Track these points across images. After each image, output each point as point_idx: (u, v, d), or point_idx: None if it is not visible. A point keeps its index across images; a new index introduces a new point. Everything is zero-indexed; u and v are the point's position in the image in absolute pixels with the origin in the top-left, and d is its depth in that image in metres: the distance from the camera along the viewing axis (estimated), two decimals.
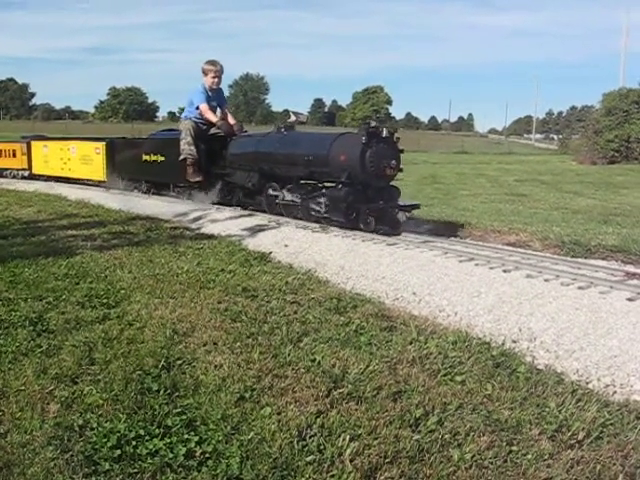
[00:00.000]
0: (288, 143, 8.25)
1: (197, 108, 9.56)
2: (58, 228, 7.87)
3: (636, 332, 3.88)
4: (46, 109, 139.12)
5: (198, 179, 9.55)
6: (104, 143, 12.93)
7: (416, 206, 7.62)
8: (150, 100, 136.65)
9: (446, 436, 2.66)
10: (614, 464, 2.51)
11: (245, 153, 9.01)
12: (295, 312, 4.32)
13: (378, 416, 2.81)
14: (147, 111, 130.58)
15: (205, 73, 9.70)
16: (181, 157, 9.51)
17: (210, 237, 7.23)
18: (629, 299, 4.46)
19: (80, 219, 8.76)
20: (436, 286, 5.01)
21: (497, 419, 2.84)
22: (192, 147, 9.42)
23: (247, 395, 2.99)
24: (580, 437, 2.71)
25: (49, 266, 5.56)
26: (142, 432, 2.63)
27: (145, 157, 11.04)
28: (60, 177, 14.80)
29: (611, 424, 2.86)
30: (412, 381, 3.20)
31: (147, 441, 2.57)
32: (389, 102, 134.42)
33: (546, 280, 4.97)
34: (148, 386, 3.07)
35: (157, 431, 2.64)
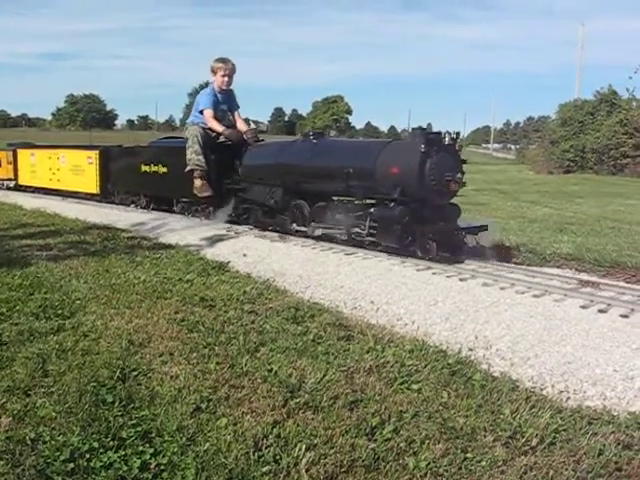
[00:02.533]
0: (320, 153, 7.14)
1: (202, 112, 8.42)
2: (12, 238, 7.75)
3: (589, 339, 3.95)
4: (1, 116, 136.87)
5: (207, 194, 8.28)
6: (97, 151, 11.83)
7: (484, 227, 6.46)
8: (108, 107, 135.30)
9: (402, 444, 2.68)
10: (566, 469, 2.55)
11: (264, 165, 7.88)
12: (253, 322, 4.31)
13: (334, 425, 2.81)
14: (105, 119, 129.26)
15: (214, 72, 8.51)
16: (187, 168, 8.28)
17: (168, 247, 7.18)
18: (582, 306, 4.54)
19: (36, 228, 8.62)
20: (394, 295, 5.04)
21: (452, 426, 2.86)
22: (200, 157, 8.20)
23: (203, 406, 2.97)
24: (533, 443, 2.75)
25: (2, 276, 5.47)
26: (96, 445, 2.59)
27: (144, 168, 9.89)
28: (48, 189, 13.63)
29: (564, 430, 2.90)
30: (369, 390, 3.21)
31: (101, 454, 2.54)
32: (349, 111, 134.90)
33: (502, 288, 5.04)
34: (103, 398, 3.03)
35: (111, 443, 2.61)
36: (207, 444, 2.62)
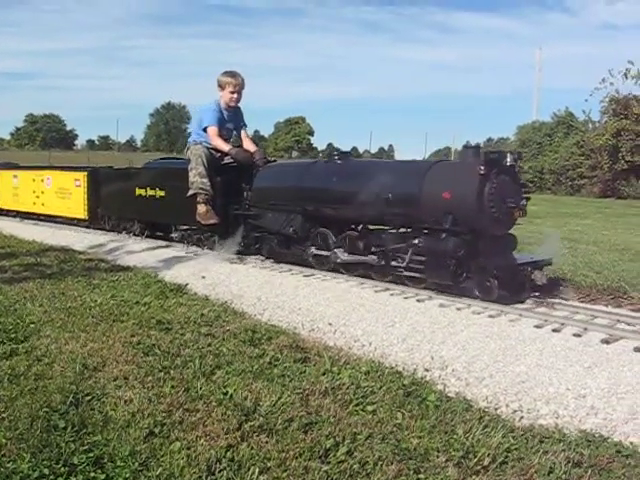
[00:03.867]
0: (349, 176, 6.38)
1: (205, 130, 7.60)
2: None
3: (543, 358, 4.01)
4: None
5: (213, 221, 7.45)
6: (85, 173, 10.90)
7: (549, 262, 5.82)
8: (69, 127, 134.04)
9: (355, 466, 2.68)
10: None
11: (280, 189, 7.11)
12: (209, 345, 4.29)
13: (288, 448, 2.81)
14: (65, 139, 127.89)
15: (222, 86, 7.64)
16: (190, 192, 7.44)
17: (126, 269, 7.12)
18: (536, 326, 4.61)
19: None
20: (352, 316, 5.06)
21: (406, 447, 2.87)
22: (205, 180, 7.38)
23: (157, 430, 2.95)
24: (486, 462, 2.77)
25: None
26: (46, 471, 2.55)
27: (139, 192, 9.03)
28: (32, 214, 12.56)
29: (516, 449, 2.93)
30: (324, 412, 3.22)
31: None
32: (311, 133, 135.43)
33: (458, 309, 5.09)
34: (55, 423, 2.99)
35: (62, 470, 2.57)
36: (160, 469, 2.60)
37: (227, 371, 3.77)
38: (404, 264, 5.70)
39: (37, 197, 12.28)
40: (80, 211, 10.91)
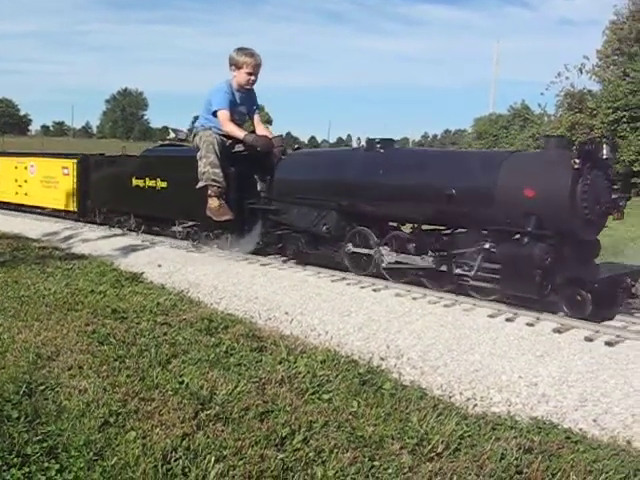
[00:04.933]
0: (400, 168, 5.53)
1: (214, 114, 6.72)
2: None
3: (496, 347, 4.07)
4: None
5: (228, 217, 6.58)
6: (75, 160, 9.85)
7: None
8: (22, 112, 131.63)
9: (311, 454, 2.70)
10: (470, 474, 2.63)
11: (311, 181, 6.25)
12: (165, 334, 4.28)
13: (244, 436, 2.82)
14: (19, 124, 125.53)
15: (237, 66, 6.69)
16: (200, 184, 6.56)
17: (81, 257, 7.05)
18: (490, 316, 4.66)
19: None
20: (308, 305, 5.08)
21: (361, 435, 2.91)
22: (217, 170, 6.48)
23: (112, 420, 2.94)
24: (439, 449, 2.81)
25: None
26: None
27: (137, 182, 8.12)
28: (14, 204, 11.42)
29: (469, 436, 2.99)
30: (280, 401, 3.23)
31: (4, 471, 2.48)
32: (269, 121, 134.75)
33: (414, 298, 5.12)
34: (7, 414, 2.95)
35: (15, 460, 2.54)
36: (115, 458, 2.59)
37: (183, 360, 3.77)
38: (473, 272, 4.90)
39: (20, 186, 11.25)
40: (69, 202, 9.90)
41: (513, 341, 4.15)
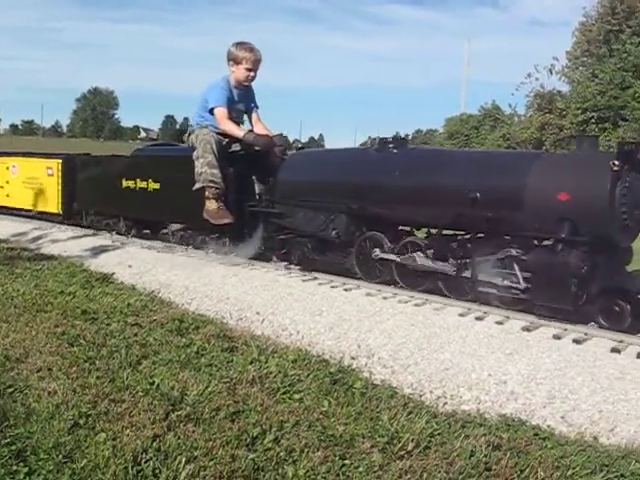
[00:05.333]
0: (417, 169, 5.29)
1: (211, 112, 6.40)
2: None
3: (466, 345, 4.10)
4: None
5: (227, 221, 6.25)
6: (60, 161, 9.44)
7: None
8: None
9: (282, 453, 2.71)
10: (439, 471, 2.64)
11: (318, 183, 5.95)
12: (136, 335, 4.26)
13: (215, 437, 2.82)
14: None
15: (235, 61, 6.38)
16: (197, 185, 6.25)
17: (50, 258, 6.97)
18: (460, 315, 4.69)
19: None
20: (279, 305, 5.08)
21: (332, 434, 2.92)
22: (215, 171, 6.16)
23: (82, 422, 2.92)
24: (409, 448, 2.83)
25: None
26: None
27: (127, 183, 7.71)
28: None
29: (439, 434, 3.01)
30: (251, 401, 3.23)
31: None
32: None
33: (385, 298, 5.15)
34: None
35: None
36: (84, 460, 2.57)
37: (154, 361, 3.76)
38: (502, 282, 4.69)
39: (1, 187, 10.72)
40: (53, 205, 9.46)
41: (483, 339, 4.18)
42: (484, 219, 4.67)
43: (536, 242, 4.62)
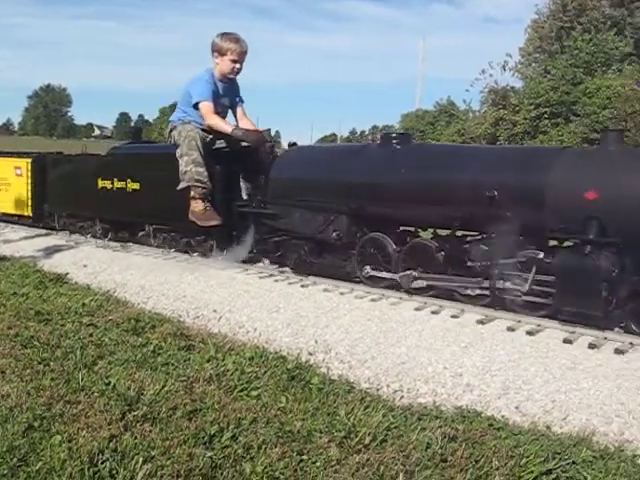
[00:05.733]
0: (426, 166, 5.00)
1: (195, 106, 6.04)
2: None
3: (422, 339, 4.15)
4: None
5: (215, 222, 5.92)
6: (29, 160, 8.88)
7: None
8: None
9: (239, 451, 2.71)
10: (396, 464, 2.67)
11: (315, 181, 5.59)
12: (91, 335, 4.21)
13: (173, 436, 2.81)
14: None
15: (220, 52, 6.01)
16: (182, 185, 5.91)
17: (2, 259, 6.84)
18: (416, 309, 4.74)
19: None
20: (237, 303, 5.07)
21: (289, 430, 2.92)
22: (201, 169, 5.83)
23: (36, 424, 2.87)
24: (367, 441, 2.85)
25: None
26: None
27: (103, 183, 7.31)
28: None
29: (395, 427, 3.04)
30: (208, 399, 3.22)
31: None
32: None
33: (341, 293, 5.18)
34: None
35: None
36: (40, 463, 2.54)
37: (109, 361, 3.72)
38: (526, 287, 4.38)
39: None
40: (22, 206, 8.92)
41: (438, 333, 4.23)
42: (501, 219, 4.38)
43: (556, 243, 4.50)
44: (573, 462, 2.71)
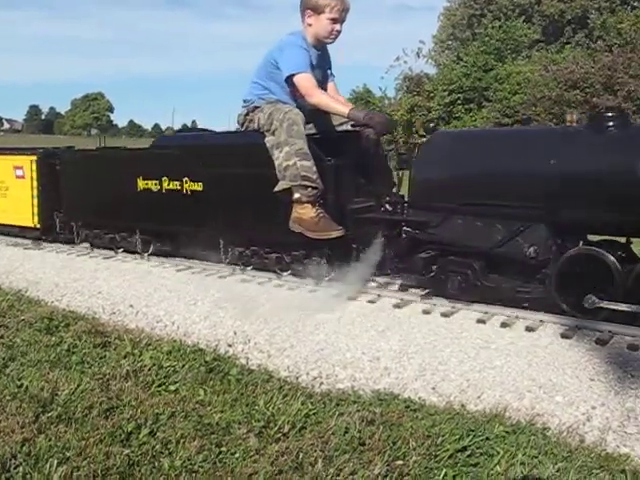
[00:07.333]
0: None
1: (287, 80, 4.70)
2: None
3: (340, 326, 4.18)
4: None
5: (337, 234, 4.52)
6: (34, 157, 7.12)
7: None
8: None
9: (157, 446, 2.69)
10: (315, 450, 2.69)
11: (491, 178, 4.16)
12: (1, 337, 4.11)
13: (88, 435, 2.76)
14: None
15: (315, 9, 4.69)
16: (281, 185, 4.59)
17: None
18: (334, 296, 4.77)
19: None
20: (153, 297, 5.01)
21: (208, 423, 2.92)
22: (309, 163, 4.50)
23: None
24: (286, 430, 2.87)
25: None
26: None
27: (146, 185, 5.80)
28: None
29: (314, 414, 3.06)
30: (125, 396, 3.19)
31: None
32: (110, 109, 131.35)
33: (259, 284, 5.17)
34: None
35: None
36: None
37: (22, 362, 3.64)
38: None
39: None
40: (26, 216, 7.20)
41: (356, 319, 4.27)
42: None
43: None
44: (487, 438, 2.79)
